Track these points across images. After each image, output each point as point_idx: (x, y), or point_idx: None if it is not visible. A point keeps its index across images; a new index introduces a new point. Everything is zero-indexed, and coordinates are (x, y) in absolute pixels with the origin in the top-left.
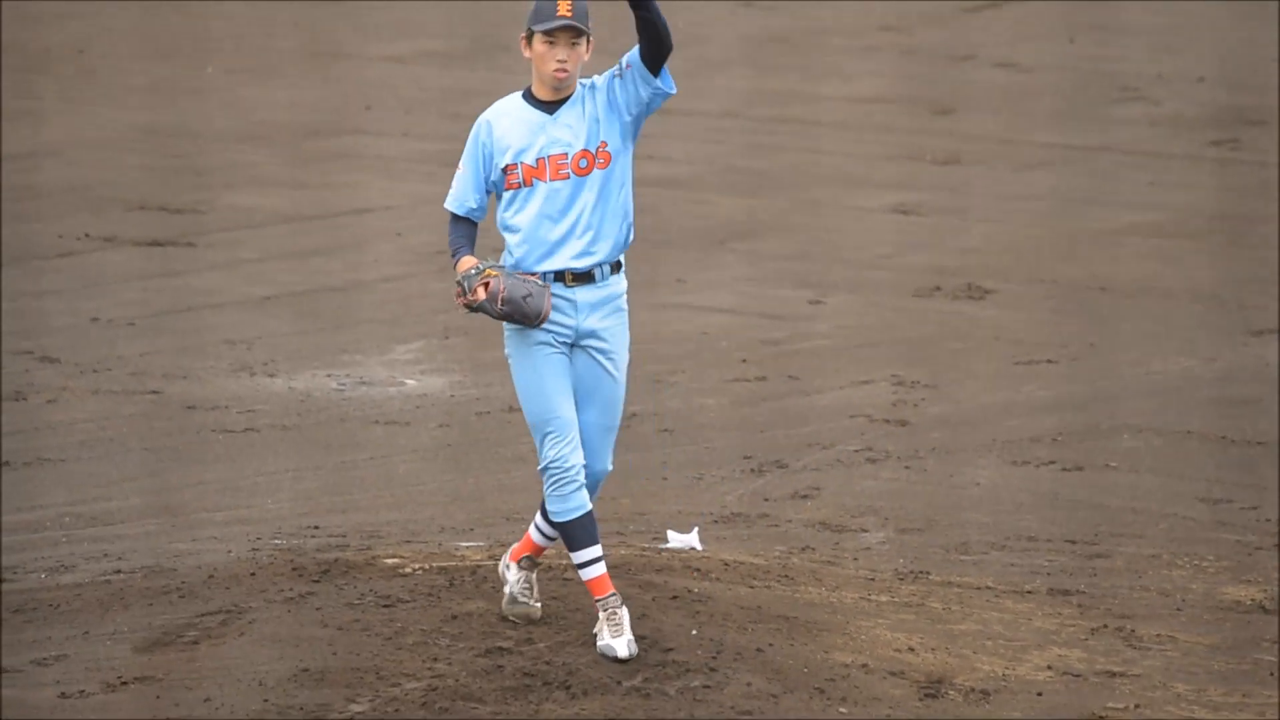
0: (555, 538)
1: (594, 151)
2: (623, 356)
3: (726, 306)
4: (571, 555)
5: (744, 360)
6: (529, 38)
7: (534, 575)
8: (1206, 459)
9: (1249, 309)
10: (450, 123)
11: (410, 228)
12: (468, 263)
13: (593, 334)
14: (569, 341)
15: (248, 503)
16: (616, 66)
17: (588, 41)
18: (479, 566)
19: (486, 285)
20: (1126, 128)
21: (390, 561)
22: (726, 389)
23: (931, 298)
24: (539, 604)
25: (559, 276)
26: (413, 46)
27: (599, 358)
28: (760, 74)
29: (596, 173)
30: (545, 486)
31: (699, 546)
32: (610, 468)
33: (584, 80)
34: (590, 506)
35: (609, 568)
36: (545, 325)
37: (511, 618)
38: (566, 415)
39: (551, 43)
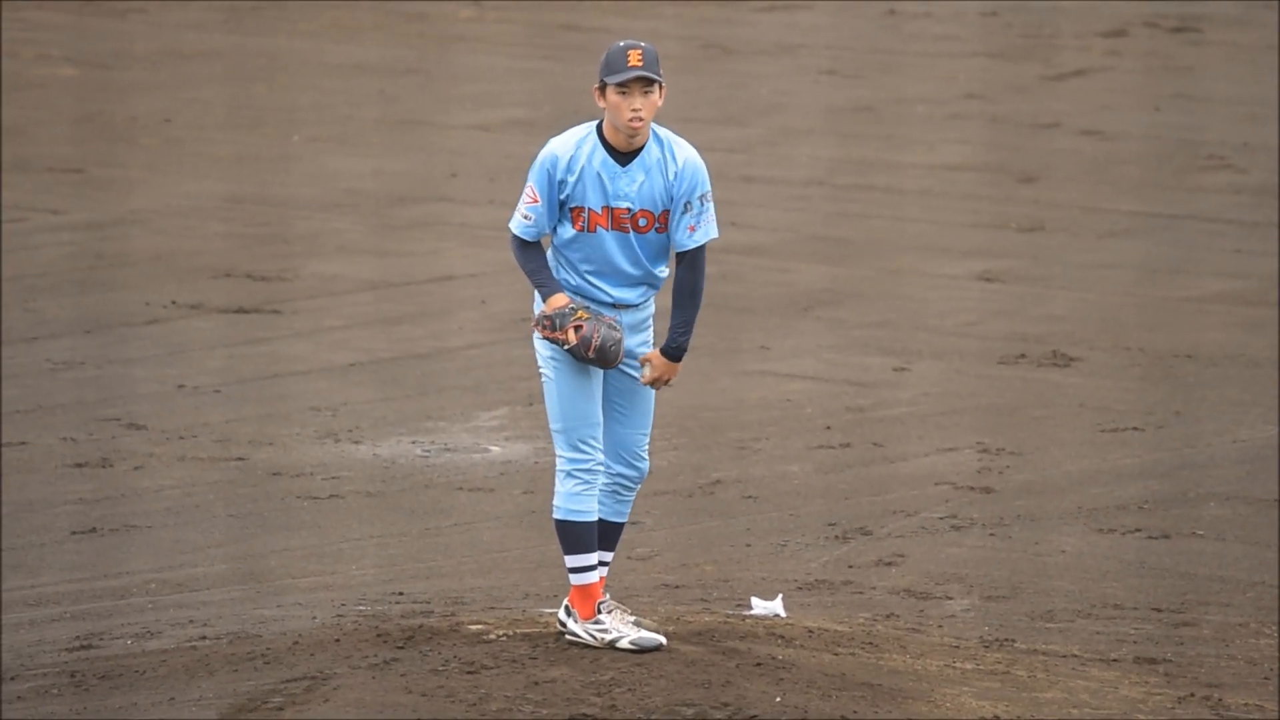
0: (594, 566)
1: (655, 215)
2: None
3: (810, 373)
4: (574, 559)
5: (828, 427)
6: (602, 88)
7: (622, 607)
8: None
9: None
10: None
11: (495, 295)
12: (560, 300)
13: (630, 353)
14: None
15: (332, 569)
16: (687, 205)
17: (660, 89)
18: (563, 633)
19: (578, 329)
20: (1211, 196)
21: (474, 628)
22: (810, 456)
23: (1016, 365)
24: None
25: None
26: (497, 115)
27: (635, 373)
28: (844, 142)
29: (653, 233)
30: (573, 487)
31: (783, 613)
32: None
33: (675, 145)
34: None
35: (694, 634)
36: None
37: (643, 648)
38: (599, 419)
39: (625, 93)
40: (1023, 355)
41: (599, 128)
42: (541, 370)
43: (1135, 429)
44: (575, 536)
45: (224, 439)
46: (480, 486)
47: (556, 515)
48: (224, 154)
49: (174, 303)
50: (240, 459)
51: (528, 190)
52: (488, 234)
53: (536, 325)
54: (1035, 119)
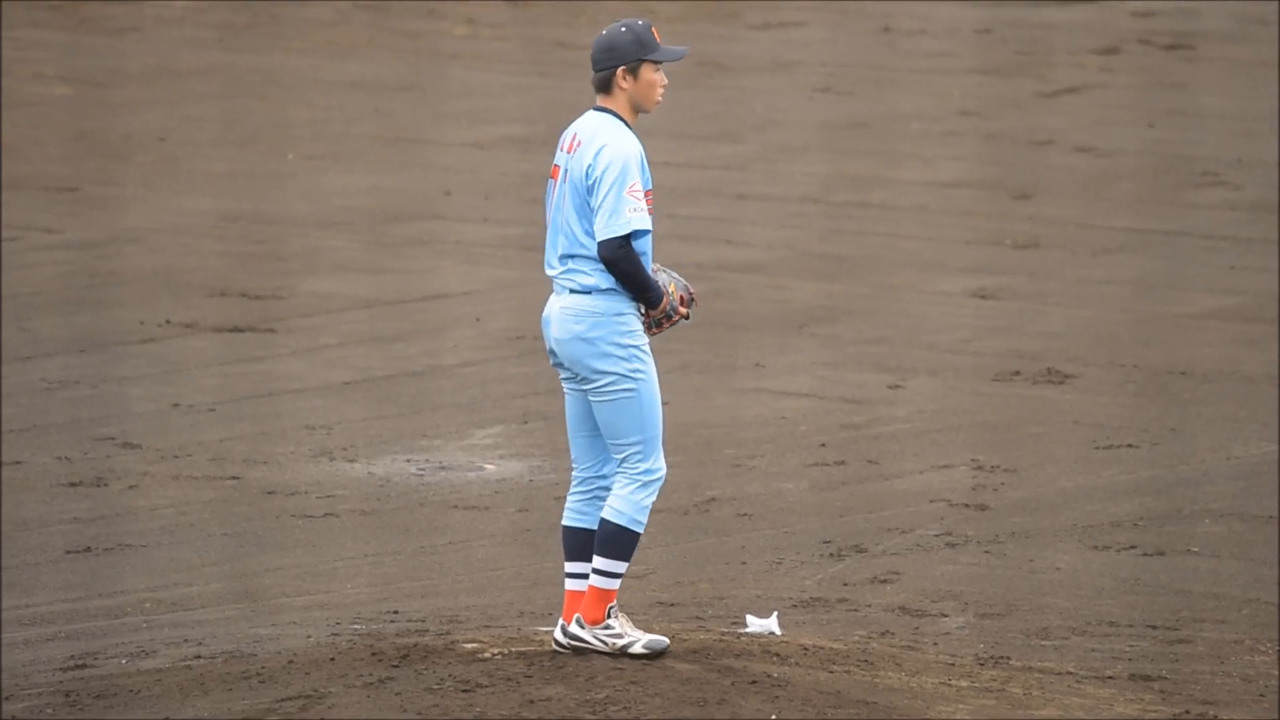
0: (623, 574)
1: None
2: None
3: (805, 391)
4: (619, 565)
5: (823, 444)
6: (631, 69)
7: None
8: None
9: None
10: (529, 207)
11: (490, 313)
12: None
13: None
14: None
15: (327, 588)
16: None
17: None
18: (558, 651)
19: (682, 300)
20: (1206, 212)
21: (469, 646)
22: (805, 473)
23: (1011, 382)
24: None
25: None
26: (492, 132)
27: None
28: (839, 159)
29: None
30: (644, 498)
31: (778, 631)
32: None
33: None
34: None
35: (689, 652)
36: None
37: (656, 651)
38: None
39: (659, 69)
40: (1017, 372)
41: (623, 120)
42: (623, 385)
43: (1130, 446)
44: (628, 545)
45: (218, 458)
46: (475, 505)
47: (620, 522)
48: (219, 171)
49: (168, 321)
50: (235, 478)
51: (632, 188)
52: (482, 252)
53: (663, 317)
54: (1030, 136)
